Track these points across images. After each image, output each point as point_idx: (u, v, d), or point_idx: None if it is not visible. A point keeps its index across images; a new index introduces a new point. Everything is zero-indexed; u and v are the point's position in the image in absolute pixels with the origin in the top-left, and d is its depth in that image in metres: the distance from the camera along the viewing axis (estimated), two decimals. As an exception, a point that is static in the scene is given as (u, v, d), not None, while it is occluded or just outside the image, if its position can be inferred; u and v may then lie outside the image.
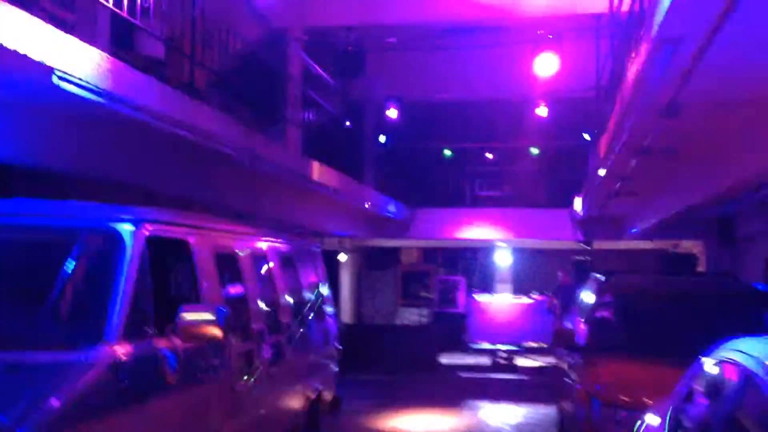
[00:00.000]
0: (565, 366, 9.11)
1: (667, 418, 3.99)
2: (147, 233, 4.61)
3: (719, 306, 8.29)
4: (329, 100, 12.34)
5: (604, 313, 8.07)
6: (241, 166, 7.75)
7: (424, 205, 17.33)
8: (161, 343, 4.45)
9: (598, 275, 9.11)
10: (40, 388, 3.66)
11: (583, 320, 8.56)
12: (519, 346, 17.70)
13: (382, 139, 16.72)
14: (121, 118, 5.46)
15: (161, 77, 6.67)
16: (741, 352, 3.25)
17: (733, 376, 3.17)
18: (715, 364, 3.55)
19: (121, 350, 4.09)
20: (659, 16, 3.98)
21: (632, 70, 5.16)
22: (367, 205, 12.50)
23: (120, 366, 4.03)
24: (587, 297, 9.24)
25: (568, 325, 9.78)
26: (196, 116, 6.28)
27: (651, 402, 5.36)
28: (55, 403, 3.60)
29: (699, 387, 3.72)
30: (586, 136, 14.34)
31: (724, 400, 3.16)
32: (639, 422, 4.77)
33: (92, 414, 3.79)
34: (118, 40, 7.09)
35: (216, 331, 4.51)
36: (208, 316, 4.54)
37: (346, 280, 19.33)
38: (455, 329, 17.97)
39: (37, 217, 4.62)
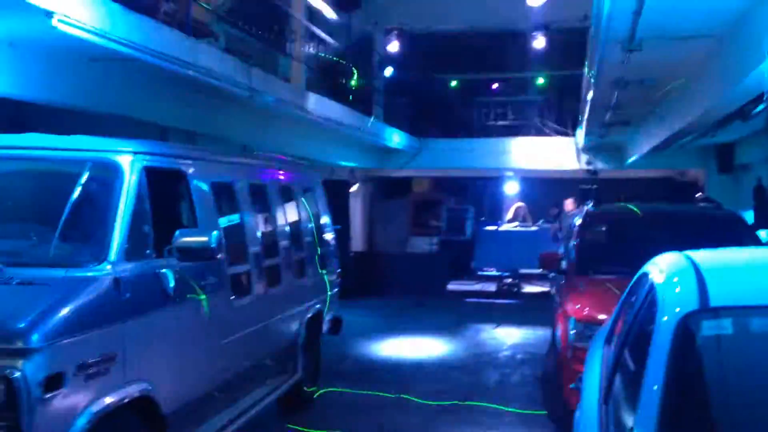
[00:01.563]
0: (552, 290, 9.65)
1: (608, 329, 4.46)
2: (144, 163, 5.09)
3: (694, 230, 8.70)
4: (334, 36, 12.61)
5: (587, 238, 8.49)
6: (241, 100, 8.17)
7: (432, 136, 17.66)
8: (159, 262, 4.99)
9: (589, 204, 9.52)
10: (51, 299, 4.21)
11: (566, 246, 9.03)
12: (523, 273, 18.23)
13: (388, 71, 16.95)
14: (122, 57, 5.89)
15: (164, 15, 7.07)
16: (655, 264, 3.67)
17: (644, 286, 3.61)
18: (638, 275, 3.99)
19: (122, 267, 4.62)
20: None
21: (596, 5, 5.47)
22: (365, 134, 12.86)
23: (121, 281, 4.57)
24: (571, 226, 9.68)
25: (561, 250, 10.26)
26: (194, 54, 6.69)
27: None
28: (64, 312, 4.16)
29: (628, 297, 4.18)
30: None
31: (634, 309, 3.61)
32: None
33: (98, 322, 4.35)
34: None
35: (208, 252, 5.03)
36: (201, 238, 5.06)
37: (357, 209, 19.85)
38: (463, 257, 18.52)
39: (47, 150, 5.12)
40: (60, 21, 4.86)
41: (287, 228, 7.63)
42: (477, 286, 18.47)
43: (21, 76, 6.08)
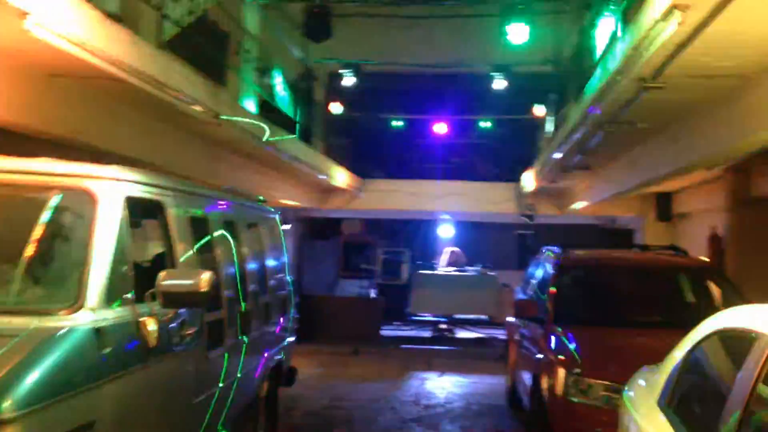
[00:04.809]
0: (518, 337, 9.21)
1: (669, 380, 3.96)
2: (125, 193, 4.36)
3: (673, 278, 8.53)
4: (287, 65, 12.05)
5: (564, 286, 8.13)
6: (200, 131, 7.46)
7: (374, 175, 17.22)
8: (142, 309, 4.24)
9: (553, 249, 9.20)
10: (20, 357, 3.42)
11: (540, 293, 8.64)
12: (458, 318, 17.88)
13: (337, 107, 16.44)
14: (93, 74, 5.14)
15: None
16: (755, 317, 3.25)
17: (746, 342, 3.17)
18: (713, 331, 3.55)
19: (102, 315, 3.87)
20: None
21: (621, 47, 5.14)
22: (320, 176, 12.28)
23: (102, 332, 3.81)
24: (541, 270, 9.33)
25: (522, 297, 9.88)
26: (168, 73, 5.98)
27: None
28: (35, 373, 3.37)
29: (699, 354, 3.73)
30: (538, 110, 14.42)
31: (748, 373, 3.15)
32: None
33: (75, 384, 3.57)
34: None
35: (199, 297, 4.32)
36: (190, 281, 4.34)
37: (288, 250, 19.05)
38: (397, 301, 17.98)
39: (14, 174, 4.30)
40: (36, 24, 4.10)
41: (256, 269, 6.93)
42: (412, 332, 17.95)
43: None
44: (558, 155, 9.31)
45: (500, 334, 17.47)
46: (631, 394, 4.57)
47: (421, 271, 18.04)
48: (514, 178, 16.39)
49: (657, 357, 6.48)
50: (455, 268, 18.21)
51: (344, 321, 16.42)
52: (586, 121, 6.89)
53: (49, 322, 3.67)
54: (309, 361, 13.58)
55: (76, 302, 3.82)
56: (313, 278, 20.44)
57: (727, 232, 10.95)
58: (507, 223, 19.57)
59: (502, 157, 18.23)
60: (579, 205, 13.73)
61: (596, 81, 6.46)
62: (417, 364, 13.97)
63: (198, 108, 6.76)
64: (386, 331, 17.57)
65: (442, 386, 12.10)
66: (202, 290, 4.31)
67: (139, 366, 4.18)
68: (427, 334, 17.79)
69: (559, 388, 6.57)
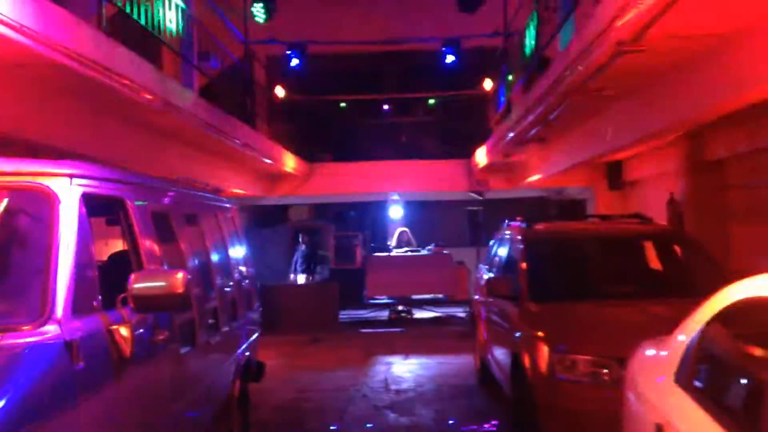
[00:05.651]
0: (489, 316, 9.03)
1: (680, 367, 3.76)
2: (84, 190, 3.96)
3: (642, 246, 8.46)
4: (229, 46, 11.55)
5: (534, 261, 7.94)
6: (146, 116, 7.00)
7: (322, 159, 16.84)
8: (113, 316, 3.86)
9: (517, 224, 9.02)
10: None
11: (509, 270, 8.46)
12: (415, 299, 17.70)
13: (280, 91, 15.97)
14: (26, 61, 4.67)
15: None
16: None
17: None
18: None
19: (72, 326, 3.48)
20: None
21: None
22: (269, 161, 11.86)
23: (74, 346, 3.43)
24: (505, 246, 9.16)
25: (487, 274, 9.70)
26: (112, 59, 5.51)
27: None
28: (4, 398, 2.99)
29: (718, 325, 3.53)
30: (487, 84, 14.23)
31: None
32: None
33: (47, 406, 3.19)
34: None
35: (175, 300, 3.96)
36: (164, 282, 3.97)
37: (235, 240, 18.53)
38: (353, 285, 17.69)
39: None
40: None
41: (222, 263, 6.57)
42: (370, 314, 17.71)
43: None
44: (516, 128, 9.12)
45: (458, 311, 17.50)
46: (636, 370, 4.39)
47: (375, 254, 17.78)
48: (465, 154, 16.23)
49: (640, 329, 6.34)
50: (408, 249, 18.01)
51: (300, 309, 16.07)
52: (552, 92, 6.68)
53: (13, 340, 3.27)
54: (268, 353, 13.20)
55: (41, 315, 3.42)
56: (264, 267, 19.97)
57: (683, 197, 10.99)
58: (457, 200, 19.44)
59: (451, 133, 18.04)
60: (533, 178, 13.64)
61: (570, 48, 6.25)
62: (380, 348, 13.72)
63: (147, 96, 6.30)
64: (344, 317, 17.29)
65: (408, 369, 11.88)
66: (178, 292, 3.96)
67: (115, 380, 3.80)
68: (385, 316, 17.57)
69: (544, 366, 6.39)
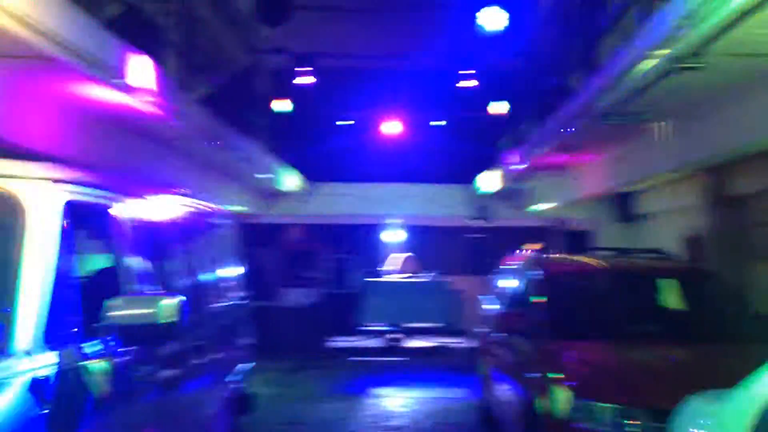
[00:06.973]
0: (498, 351, 8.42)
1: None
2: (65, 198, 3.37)
3: (669, 284, 7.90)
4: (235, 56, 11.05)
5: (555, 295, 7.37)
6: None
7: (323, 179, 16.30)
8: (93, 348, 3.26)
9: (531, 254, 8.50)
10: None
11: (522, 303, 7.89)
12: (410, 327, 17.04)
13: (284, 105, 15.42)
14: None
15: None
16: None
17: None
18: None
19: (42, 360, 2.88)
20: None
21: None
22: (260, 176, 11.27)
23: (43, 384, 2.83)
24: (517, 277, 8.60)
25: (495, 305, 9.13)
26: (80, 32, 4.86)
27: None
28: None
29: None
30: (498, 107, 13.71)
31: None
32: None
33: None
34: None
35: (167, 330, 3.37)
36: (151, 310, 3.38)
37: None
38: (347, 310, 17.03)
39: None
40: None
41: (217, 284, 5.99)
42: (361, 343, 17.01)
43: None
44: (539, 152, 8.60)
45: (454, 343, 16.81)
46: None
47: (372, 279, 17.13)
48: (470, 179, 15.74)
49: (674, 376, 5.75)
50: (407, 275, 17.36)
51: (287, 333, 15.46)
52: (586, 114, 6.17)
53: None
54: (253, 379, 12.53)
55: (6, 346, 2.83)
56: (255, 288, 19.30)
57: (704, 234, 10.51)
58: (459, 226, 18.87)
59: (457, 156, 17.50)
60: (543, 206, 13.12)
61: (615, 65, 5.72)
62: (375, 379, 13.07)
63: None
64: (334, 343, 16.63)
65: (402, 404, 11.20)
66: (169, 320, 3.37)
67: (90, 424, 3.19)
68: (376, 344, 16.87)
69: (561, 412, 5.79)
